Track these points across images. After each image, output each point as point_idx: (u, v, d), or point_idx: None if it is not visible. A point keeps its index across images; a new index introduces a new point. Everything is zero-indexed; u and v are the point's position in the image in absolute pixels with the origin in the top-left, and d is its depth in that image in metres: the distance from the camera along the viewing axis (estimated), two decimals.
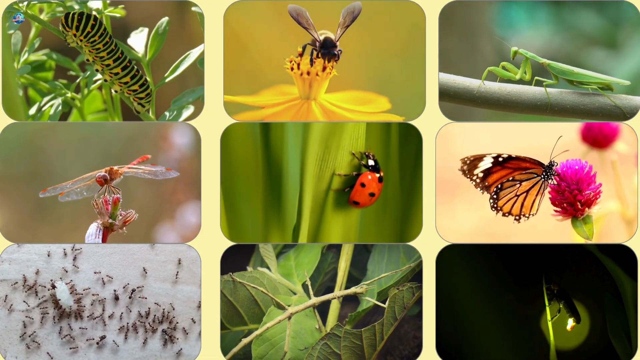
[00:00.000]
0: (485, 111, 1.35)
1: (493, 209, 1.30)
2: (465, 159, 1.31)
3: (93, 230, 1.29)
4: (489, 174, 1.31)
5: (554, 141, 1.28)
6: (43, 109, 1.38)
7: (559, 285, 1.33)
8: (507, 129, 1.45)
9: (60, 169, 1.60)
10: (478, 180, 1.31)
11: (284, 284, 1.36)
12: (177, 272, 1.33)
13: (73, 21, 1.32)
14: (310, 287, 1.34)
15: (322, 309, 1.34)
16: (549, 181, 1.28)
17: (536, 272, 1.34)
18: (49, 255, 1.33)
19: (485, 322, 1.34)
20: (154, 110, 1.39)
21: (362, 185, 1.31)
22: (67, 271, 1.33)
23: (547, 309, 1.32)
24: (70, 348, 1.31)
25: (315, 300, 1.34)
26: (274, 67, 1.33)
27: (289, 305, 1.33)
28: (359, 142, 1.30)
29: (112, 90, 1.39)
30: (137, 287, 1.32)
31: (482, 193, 1.31)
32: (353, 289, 1.34)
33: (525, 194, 1.30)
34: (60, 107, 1.38)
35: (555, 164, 1.28)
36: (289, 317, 1.32)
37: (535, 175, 1.29)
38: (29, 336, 1.31)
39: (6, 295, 1.32)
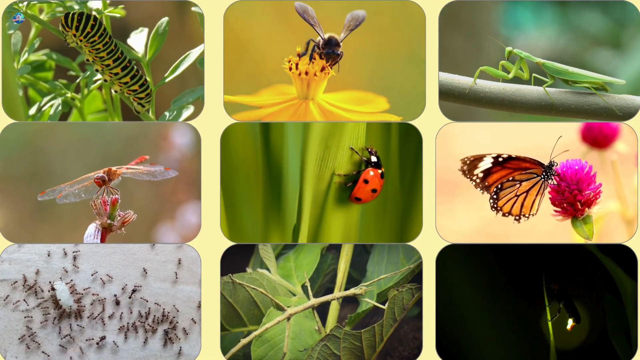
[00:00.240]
0: (485, 111, 1.35)
1: (493, 209, 1.30)
2: (465, 159, 1.31)
3: (91, 230, 1.29)
4: (489, 174, 1.30)
5: (554, 141, 1.28)
6: (43, 109, 1.38)
7: (559, 285, 1.32)
8: (507, 129, 1.45)
9: (60, 169, 1.60)
10: (478, 181, 1.31)
11: (284, 285, 1.35)
12: (176, 272, 1.33)
13: (73, 21, 1.32)
14: (309, 288, 1.34)
15: (322, 310, 1.34)
16: (549, 181, 1.28)
17: (536, 272, 1.33)
18: (49, 255, 1.33)
19: (485, 322, 1.34)
20: (154, 110, 1.39)
21: (365, 181, 1.30)
22: (67, 271, 1.33)
23: (547, 309, 1.32)
24: (70, 348, 1.31)
25: (314, 301, 1.33)
26: (273, 67, 1.33)
27: (288, 307, 1.32)
28: (358, 142, 1.30)
29: (112, 91, 1.39)
30: (137, 287, 1.33)
31: (482, 193, 1.31)
32: (352, 290, 1.34)
33: (525, 194, 1.29)
34: (60, 107, 1.38)
35: (555, 164, 1.28)
36: (289, 318, 1.32)
37: (535, 176, 1.29)
38: (29, 336, 1.31)
39: (7, 295, 1.32)
